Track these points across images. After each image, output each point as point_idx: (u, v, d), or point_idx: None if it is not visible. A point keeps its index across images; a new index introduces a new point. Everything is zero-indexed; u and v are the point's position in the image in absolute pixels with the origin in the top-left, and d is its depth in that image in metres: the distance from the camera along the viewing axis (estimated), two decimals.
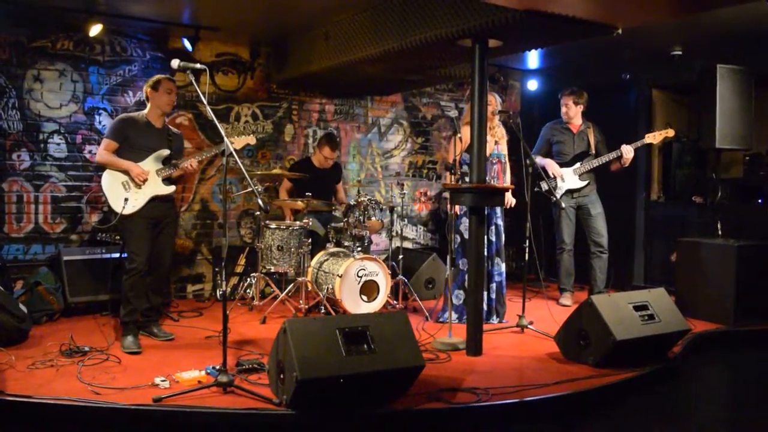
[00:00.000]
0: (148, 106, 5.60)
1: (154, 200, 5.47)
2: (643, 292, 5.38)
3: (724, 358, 6.00)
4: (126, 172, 5.40)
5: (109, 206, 5.41)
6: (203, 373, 4.53)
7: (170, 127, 5.79)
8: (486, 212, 6.33)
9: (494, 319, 6.46)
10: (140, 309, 5.48)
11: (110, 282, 6.24)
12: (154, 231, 5.52)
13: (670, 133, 7.05)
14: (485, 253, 6.35)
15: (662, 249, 8.06)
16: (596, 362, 4.94)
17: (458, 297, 6.32)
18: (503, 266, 6.55)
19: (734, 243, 6.58)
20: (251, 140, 5.94)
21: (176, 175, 5.66)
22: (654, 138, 7.01)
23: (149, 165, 5.50)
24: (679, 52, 7.32)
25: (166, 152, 5.59)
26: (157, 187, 5.51)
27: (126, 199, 5.34)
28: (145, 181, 5.41)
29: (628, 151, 6.99)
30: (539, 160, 7.26)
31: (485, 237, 6.33)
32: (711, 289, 6.62)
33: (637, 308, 5.11)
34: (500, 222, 6.54)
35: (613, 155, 7.12)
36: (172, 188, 5.64)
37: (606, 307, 4.99)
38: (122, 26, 6.90)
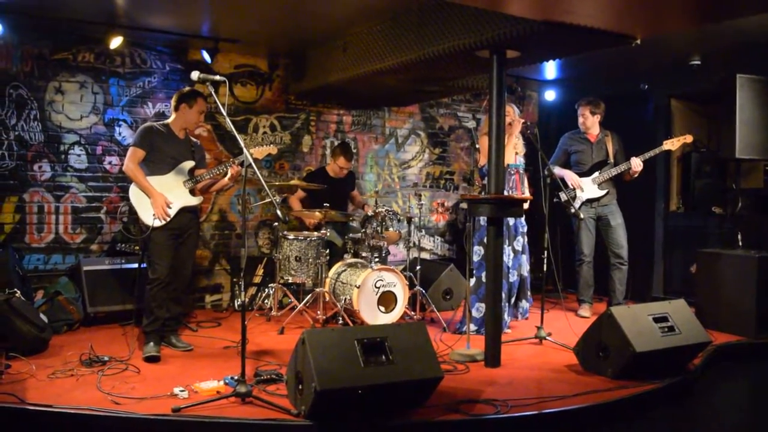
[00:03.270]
0: (173, 116, 5.63)
1: (182, 211, 5.53)
2: (662, 304, 5.35)
3: (745, 370, 5.94)
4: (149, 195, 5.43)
5: (138, 218, 5.46)
6: (222, 383, 4.54)
7: (191, 137, 5.83)
8: (512, 223, 6.36)
9: (506, 324, 6.44)
10: (162, 319, 5.51)
11: (135, 291, 6.22)
12: (177, 241, 5.55)
13: (689, 138, 7.00)
14: (509, 264, 6.37)
15: (682, 260, 8.00)
16: (615, 374, 4.91)
17: (479, 310, 6.30)
18: (524, 258, 6.61)
19: (755, 254, 6.51)
20: (272, 150, 5.96)
21: (202, 186, 5.70)
22: (672, 144, 6.98)
23: (175, 177, 5.54)
24: (698, 62, 7.29)
25: (191, 164, 5.65)
26: (185, 199, 5.56)
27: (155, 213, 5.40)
28: (165, 217, 5.43)
29: (636, 165, 7.04)
30: (557, 171, 7.23)
31: (509, 247, 6.36)
32: (731, 301, 6.55)
33: (656, 320, 5.07)
34: (525, 230, 6.57)
35: (624, 167, 7.12)
36: (199, 199, 5.70)
37: (625, 318, 4.96)
38: (142, 38, 6.96)
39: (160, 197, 5.40)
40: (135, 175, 5.42)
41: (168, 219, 5.42)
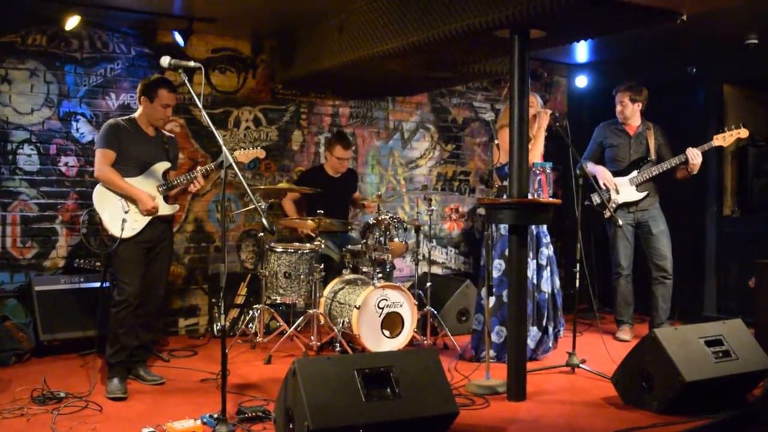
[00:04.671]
0: (139, 110, 5.62)
1: (154, 221, 5.52)
2: (716, 325, 5.33)
3: None
4: (132, 200, 5.42)
5: (104, 228, 5.44)
6: (199, 422, 4.53)
7: (163, 131, 5.79)
8: (535, 232, 6.35)
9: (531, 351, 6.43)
10: (130, 348, 5.49)
11: (98, 315, 6.20)
12: (148, 256, 5.55)
13: (743, 133, 6.98)
14: (534, 281, 6.35)
15: (738, 273, 7.98)
16: (661, 408, 4.90)
17: (499, 334, 6.28)
18: (547, 272, 6.57)
19: None
20: (260, 154, 5.96)
21: (174, 193, 5.69)
22: (724, 140, 6.96)
23: (146, 182, 5.52)
24: (755, 41, 7.29)
25: (165, 165, 5.64)
26: (160, 207, 5.54)
27: (124, 221, 5.36)
28: (154, 213, 5.44)
29: (694, 156, 6.94)
30: (589, 168, 7.22)
31: (533, 261, 6.35)
32: None
33: (709, 343, 5.06)
34: (549, 239, 6.54)
35: (676, 161, 7.08)
36: (175, 207, 5.69)
37: (672, 342, 4.94)
38: (103, 18, 6.97)
39: (146, 195, 5.41)
40: (110, 179, 5.40)
41: (157, 212, 5.44)
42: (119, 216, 5.37)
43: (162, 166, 5.62)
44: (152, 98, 5.51)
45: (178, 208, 5.73)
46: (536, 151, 6.20)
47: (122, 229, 5.33)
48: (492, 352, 6.17)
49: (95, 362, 5.78)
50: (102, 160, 5.42)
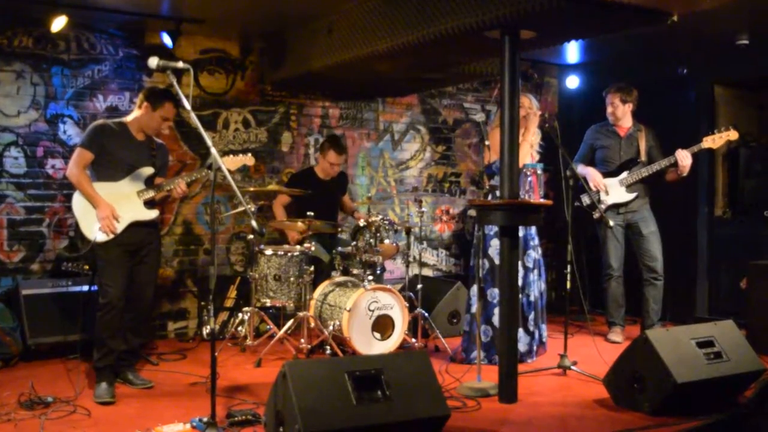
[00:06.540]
0: (134, 114, 5.60)
1: (134, 226, 5.49)
2: (707, 326, 5.35)
3: None
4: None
5: (80, 231, 5.43)
6: (188, 426, 4.54)
7: (153, 137, 5.75)
8: (522, 234, 6.35)
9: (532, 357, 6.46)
10: (117, 351, 5.47)
11: (81, 320, 6.19)
12: (133, 260, 5.53)
13: (733, 135, 6.97)
14: (520, 283, 6.36)
15: (730, 274, 8.00)
16: (653, 409, 4.91)
17: (486, 333, 6.30)
18: (535, 274, 6.57)
19: None
20: (249, 161, 5.93)
21: (159, 198, 5.66)
22: (713, 142, 6.95)
23: (130, 185, 5.51)
24: (746, 42, 7.30)
25: (149, 171, 5.60)
26: (137, 212, 5.50)
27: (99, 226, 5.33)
28: (113, 231, 5.36)
29: (684, 157, 6.94)
30: (579, 170, 7.23)
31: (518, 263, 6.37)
32: None
33: (700, 345, 5.07)
34: (537, 242, 6.55)
35: (665, 162, 7.08)
36: (154, 213, 5.63)
37: (664, 343, 4.96)
38: (90, 19, 6.95)
39: (107, 207, 5.33)
40: (79, 181, 5.37)
41: (115, 234, 5.37)
42: (95, 221, 5.34)
43: (147, 171, 5.58)
44: (155, 107, 5.50)
45: (157, 214, 5.68)
46: (524, 153, 6.19)
47: (97, 234, 5.32)
48: (481, 353, 6.19)
49: (80, 367, 5.76)
50: (76, 159, 5.40)
